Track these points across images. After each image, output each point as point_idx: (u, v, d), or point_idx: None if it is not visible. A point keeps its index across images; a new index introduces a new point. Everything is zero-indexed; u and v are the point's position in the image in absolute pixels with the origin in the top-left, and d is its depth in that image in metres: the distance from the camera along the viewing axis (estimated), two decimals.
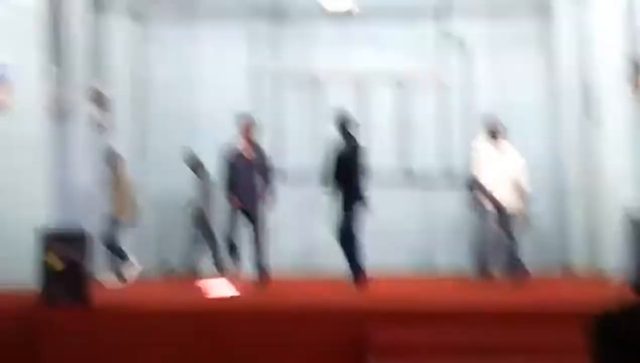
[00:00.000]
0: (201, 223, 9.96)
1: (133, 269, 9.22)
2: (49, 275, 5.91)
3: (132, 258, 9.24)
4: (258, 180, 8.16)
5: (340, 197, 7.67)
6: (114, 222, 9.17)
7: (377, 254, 9.83)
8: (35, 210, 7.40)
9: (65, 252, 6.03)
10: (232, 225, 8.13)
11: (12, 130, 7.51)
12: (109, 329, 5.82)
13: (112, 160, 9.33)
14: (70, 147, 8.97)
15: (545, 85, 10.85)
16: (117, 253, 9.17)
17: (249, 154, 8.23)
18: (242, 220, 8.15)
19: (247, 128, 8.24)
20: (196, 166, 10.03)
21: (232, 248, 8.16)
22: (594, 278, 9.01)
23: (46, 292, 5.89)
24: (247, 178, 8.09)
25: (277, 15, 11.01)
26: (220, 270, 9.45)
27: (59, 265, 5.89)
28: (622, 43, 9.13)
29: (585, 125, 10.00)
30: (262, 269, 8.16)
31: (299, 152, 10.80)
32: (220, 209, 8.69)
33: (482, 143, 8.69)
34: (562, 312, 6.00)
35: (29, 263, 6.26)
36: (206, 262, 9.93)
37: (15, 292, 6.60)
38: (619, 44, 9.17)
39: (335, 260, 8.10)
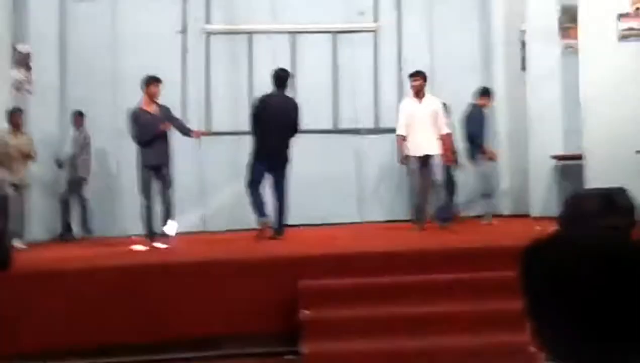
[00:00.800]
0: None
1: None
2: None
3: None
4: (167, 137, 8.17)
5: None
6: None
7: (312, 203, 10.03)
8: None
9: None
10: (144, 184, 8.11)
11: None
12: (29, 291, 5.72)
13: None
14: None
15: (479, 32, 10.89)
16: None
17: (152, 109, 8.16)
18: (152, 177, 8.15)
19: (148, 86, 8.15)
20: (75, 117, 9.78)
21: (148, 209, 8.17)
22: (522, 221, 9.22)
23: None
24: (153, 133, 8.03)
25: None
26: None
27: None
28: None
29: (517, 72, 10.13)
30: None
31: (229, 109, 10.68)
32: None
33: (405, 102, 8.68)
34: (492, 250, 6.16)
35: None
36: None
37: None
38: None
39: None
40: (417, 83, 8.54)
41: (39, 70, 9.85)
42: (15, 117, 8.81)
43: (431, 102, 8.54)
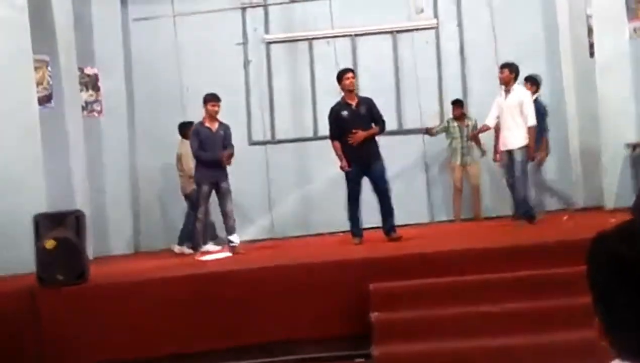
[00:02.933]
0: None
1: None
2: (44, 256, 5.95)
3: None
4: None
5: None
6: None
7: None
8: (30, 196, 7.40)
9: (58, 231, 6.08)
10: (202, 199, 8.23)
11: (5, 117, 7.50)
12: (107, 302, 5.88)
13: None
14: (64, 132, 8.99)
15: (543, 20, 10.64)
16: None
17: (213, 126, 8.29)
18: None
19: (205, 104, 8.28)
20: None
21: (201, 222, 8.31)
22: (596, 213, 8.94)
23: (42, 271, 5.94)
24: (214, 155, 8.15)
25: None
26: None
27: (51, 245, 5.91)
28: None
29: (585, 59, 9.85)
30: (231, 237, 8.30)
31: (293, 117, 10.77)
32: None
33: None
34: (565, 246, 5.99)
35: (28, 249, 6.34)
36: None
37: (15, 276, 6.66)
38: None
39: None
40: (502, 75, 8.35)
41: (106, 90, 10.14)
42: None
43: (518, 93, 8.27)
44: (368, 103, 7.98)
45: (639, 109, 9.00)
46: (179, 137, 9.41)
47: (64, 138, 8.93)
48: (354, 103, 7.89)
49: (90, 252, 7.93)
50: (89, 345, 5.74)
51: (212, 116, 8.30)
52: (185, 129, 9.17)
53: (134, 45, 10.61)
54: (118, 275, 7.02)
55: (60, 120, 8.92)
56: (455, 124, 10.13)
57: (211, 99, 8.28)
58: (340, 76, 7.95)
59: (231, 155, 8.24)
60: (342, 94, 8.02)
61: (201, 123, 8.36)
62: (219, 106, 8.31)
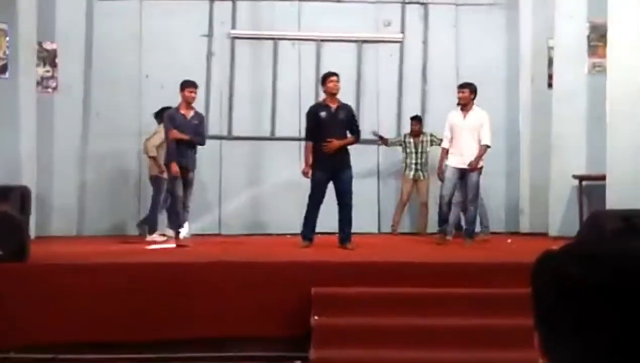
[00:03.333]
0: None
1: None
2: None
3: None
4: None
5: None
6: None
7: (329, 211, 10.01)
8: None
9: (1, 205, 5.93)
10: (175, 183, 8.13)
11: None
12: (46, 282, 5.74)
13: None
14: (16, 106, 8.76)
15: (506, 47, 10.83)
16: None
17: (188, 114, 8.23)
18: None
19: (182, 90, 8.20)
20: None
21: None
22: (539, 239, 9.12)
23: None
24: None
25: None
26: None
27: None
28: (584, 6, 9.23)
29: (543, 89, 10.05)
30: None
31: (252, 115, 10.71)
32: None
33: (451, 114, 8.56)
34: (507, 265, 6.11)
35: None
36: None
37: None
38: (581, 7, 9.26)
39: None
40: (462, 95, 8.42)
41: (63, 67, 9.93)
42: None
43: (478, 115, 8.38)
44: (348, 110, 8.01)
45: (591, 142, 9.20)
46: (154, 122, 9.28)
47: (15, 111, 8.70)
48: (334, 106, 7.88)
49: (32, 230, 7.74)
50: (22, 326, 5.59)
51: (188, 103, 8.19)
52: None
53: (96, 25, 10.40)
54: (59, 257, 6.87)
55: (13, 93, 8.69)
56: (411, 139, 10.24)
57: (189, 85, 8.18)
58: (325, 79, 7.98)
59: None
60: (324, 96, 8.03)
61: (177, 109, 8.24)
62: (196, 93, 8.24)
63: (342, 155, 7.80)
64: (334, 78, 7.91)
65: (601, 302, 1.02)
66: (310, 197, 7.88)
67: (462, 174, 8.32)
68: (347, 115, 7.92)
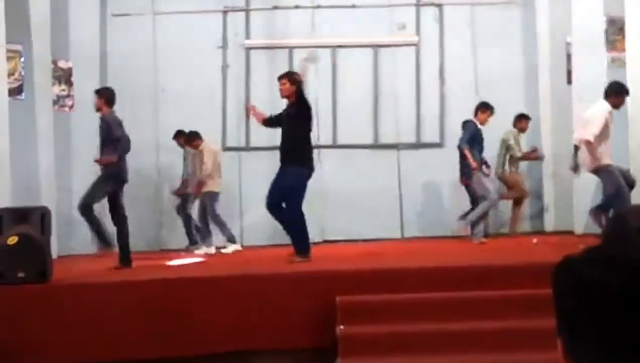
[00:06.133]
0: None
1: None
2: (5, 252, 5.78)
3: None
4: None
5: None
6: None
7: (352, 218, 9.95)
8: None
9: (22, 227, 5.92)
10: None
11: None
12: (67, 303, 5.72)
13: None
14: (34, 126, 8.78)
15: (523, 45, 10.70)
16: None
17: None
18: None
19: None
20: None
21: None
22: (565, 238, 8.98)
23: (3, 267, 5.76)
24: None
25: None
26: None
27: (13, 241, 5.74)
28: (600, 1, 9.09)
29: (563, 85, 9.92)
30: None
31: None
32: None
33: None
34: (533, 267, 5.98)
35: None
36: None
37: None
38: (597, 1, 9.13)
39: None
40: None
41: (79, 85, 9.94)
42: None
43: None
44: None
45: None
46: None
47: (33, 132, 8.72)
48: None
49: (54, 250, 7.73)
50: (45, 347, 5.56)
51: None
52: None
53: (111, 41, 10.43)
54: (80, 276, 6.85)
55: (30, 113, 8.71)
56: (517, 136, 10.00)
57: None
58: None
59: None
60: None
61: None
62: None
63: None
64: (281, 80, 7.47)
65: (623, 308, 1.02)
66: (300, 204, 7.28)
67: None
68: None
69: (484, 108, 9.15)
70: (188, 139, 9.44)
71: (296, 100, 7.33)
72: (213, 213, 9.06)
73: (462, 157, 8.98)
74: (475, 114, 9.13)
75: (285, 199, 7.22)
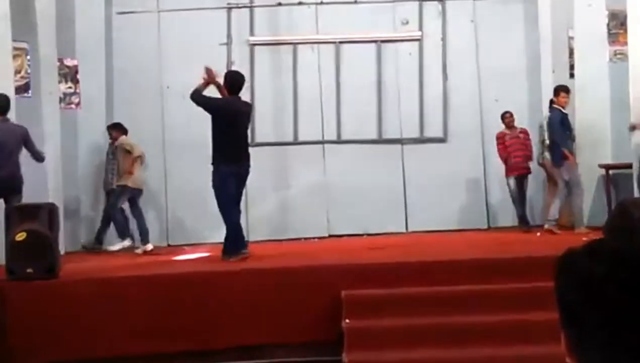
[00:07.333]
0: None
1: None
2: (14, 248, 5.84)
3: None
4: None
5: None
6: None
7: (357, 212, 10.00)
8: None
9: (30, 224, 5.98)
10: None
11: None
12: (76, 298, 5.78)
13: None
14: (40, 123, 8.83)
15: (525, 39, 10.72)
16: None
17: None
18: None
19: None
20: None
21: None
22: (569, 230, 9.01)
23: (11, 264, 5.83)
24: None
25: None
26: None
27: (21, 237, 5.81)
28: None
29: (565, 80, 9.92)
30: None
31: (274, 120, 10.72)
32: None
33: None
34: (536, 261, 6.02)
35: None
36: None
37: None
38: None
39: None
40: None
41: (85, 83, 10.00)
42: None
43: None
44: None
45: (615, 130, 9.08)
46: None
47: (39, 129, 8.75)
48: None
49: (62, 246, 7.80)
50: (54, 342, 5.63)
51: None
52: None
53: (116, 38, 10.48)
54: (89, 272, 6.91)
55: (37, 111, 8.76)
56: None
57: None
58: None
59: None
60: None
61: None
62: None
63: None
64: None
65: (627, 300, 1.02)
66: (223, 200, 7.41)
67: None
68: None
69: (561, 91, 9.05)
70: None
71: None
72: (114, 206, 9.15)
73: (551, 142, 9.03)
74: (553, 101, 9.06)
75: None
